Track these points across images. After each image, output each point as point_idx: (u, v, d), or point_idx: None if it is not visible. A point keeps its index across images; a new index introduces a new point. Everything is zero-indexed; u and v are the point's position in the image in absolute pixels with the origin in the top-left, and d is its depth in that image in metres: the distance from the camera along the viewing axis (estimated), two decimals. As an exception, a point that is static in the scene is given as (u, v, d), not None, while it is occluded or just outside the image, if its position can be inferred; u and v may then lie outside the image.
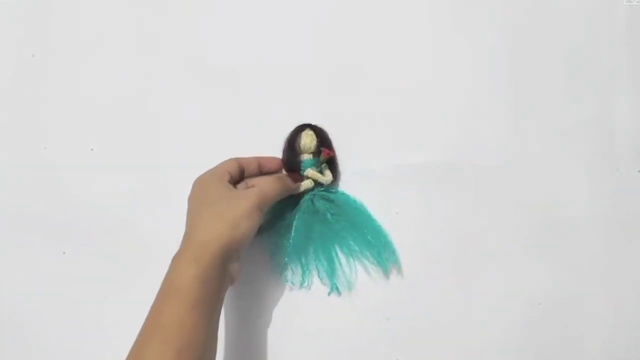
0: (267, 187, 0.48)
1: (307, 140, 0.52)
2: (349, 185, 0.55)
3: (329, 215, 0.53)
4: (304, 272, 0.54)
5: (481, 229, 0.55)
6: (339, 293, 0.54)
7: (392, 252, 0.53)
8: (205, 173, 0.48)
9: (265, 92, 0.56)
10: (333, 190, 0.54)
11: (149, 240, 0.55)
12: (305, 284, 0.54)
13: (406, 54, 0.56)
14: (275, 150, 0.54)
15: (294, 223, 0.52)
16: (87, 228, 0.56)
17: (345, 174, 0.55)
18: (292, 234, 0.52)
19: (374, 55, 0.56)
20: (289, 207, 0.53)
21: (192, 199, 0.47)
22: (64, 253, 0.56)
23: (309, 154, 0.52)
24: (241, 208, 0.45)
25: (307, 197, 0.53)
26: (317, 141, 0.52)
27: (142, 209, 0.56)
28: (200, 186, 0.47)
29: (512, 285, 0.54)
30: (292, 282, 0.54)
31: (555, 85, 0.55)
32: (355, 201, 0.53)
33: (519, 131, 0.55)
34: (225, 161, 0.50)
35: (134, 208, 0.56)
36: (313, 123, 0.53)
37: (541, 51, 0.56)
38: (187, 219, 0.46)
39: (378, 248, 0.53)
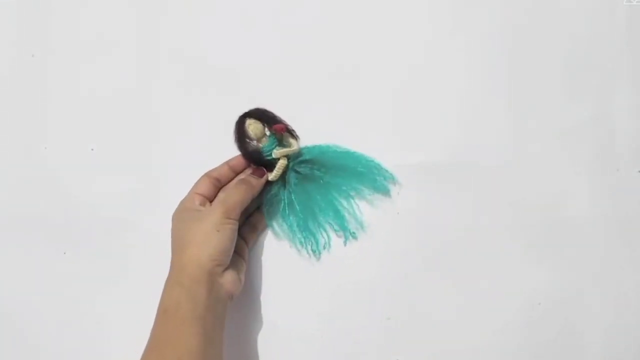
0: (228, 195, 0.49)
1: (253, 128, 0.52)
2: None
3: (316, 172, 0.54)
4: (317, 237, 0.54)
5: (481, 228, 0.55)
6: (356, 237, 0.54)
7: (386, 171, 0.54)
8: (178, 205, 0.50)
9: (264, 91, 0.56)
10: (305, 152, 0.54)
11: (149, 240, 0.55)
12: (325, 247, 0.55)
13: (406, 54, 0.56)
14: None
15: (293, 199, 0.53)
16: (87, 228, 0.56)
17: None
18: (297, 208, 0.53)
19: (375, 54, 0.56)
20: (281, 189, 0.54)
21: (172, 233, 0.49)
22: (64, 253, 0.56)
23: (264, 138, 0.53)
24: (207, 224, 0.47)
25: (289, 172, 0.53)
26: (263, 124, 0.52)
27: (142, 209, 0.56)
28: (175, 220, 0.49)
29: (512, 285, 0.54)
30: (315, 252, 0.54)
31: (555, 85, 0.56)
32: (327, 146, 0.54)
33: (518, 131, 0.55)
34: (197, 182, 0.52)
35: (134, 208, 0.56)
36: (246, 110, 0.52)
37: (541, 51, 0.56)
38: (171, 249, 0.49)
39: (372, 174, 0.54)
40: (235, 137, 0.52)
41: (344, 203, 0.55)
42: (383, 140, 0.55)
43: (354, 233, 0.54)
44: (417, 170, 0.55)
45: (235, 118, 0.52)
